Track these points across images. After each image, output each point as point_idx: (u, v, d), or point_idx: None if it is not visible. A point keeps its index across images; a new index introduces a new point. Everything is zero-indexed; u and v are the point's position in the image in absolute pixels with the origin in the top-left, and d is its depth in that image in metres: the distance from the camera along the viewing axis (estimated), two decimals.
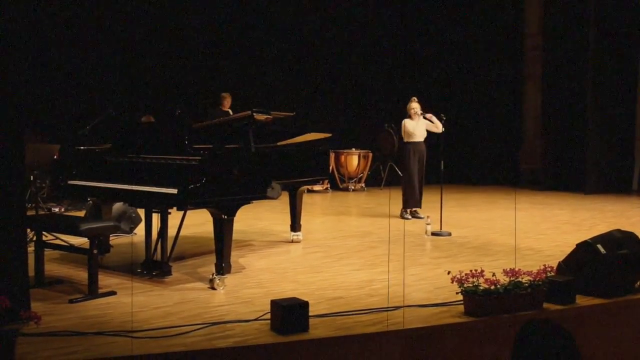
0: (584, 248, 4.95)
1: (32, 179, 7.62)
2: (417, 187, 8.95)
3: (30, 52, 9.90)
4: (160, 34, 11.73)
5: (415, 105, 8.94)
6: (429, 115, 8.74)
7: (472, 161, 14.33)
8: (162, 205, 5.42)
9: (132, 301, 4.58)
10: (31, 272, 4.64)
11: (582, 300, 4.68)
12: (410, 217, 8.97)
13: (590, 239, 4.99)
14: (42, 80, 10.29)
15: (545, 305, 4.53)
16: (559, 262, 5.08)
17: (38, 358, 3.52)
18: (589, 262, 4.85)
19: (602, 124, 12.27)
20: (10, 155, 4.03)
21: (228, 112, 10.60)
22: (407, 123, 8.97)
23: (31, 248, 5.01)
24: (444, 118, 8.33)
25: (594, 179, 12.21)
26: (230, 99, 10.96)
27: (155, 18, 11.72)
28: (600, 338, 4.62)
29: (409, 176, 8.99)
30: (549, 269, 4.75)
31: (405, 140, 9.04)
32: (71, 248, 5.37)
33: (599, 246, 4.86)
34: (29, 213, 6.30)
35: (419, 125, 8.91)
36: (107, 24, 11.19)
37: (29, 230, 5.24)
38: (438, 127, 8.76)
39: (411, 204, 9.01)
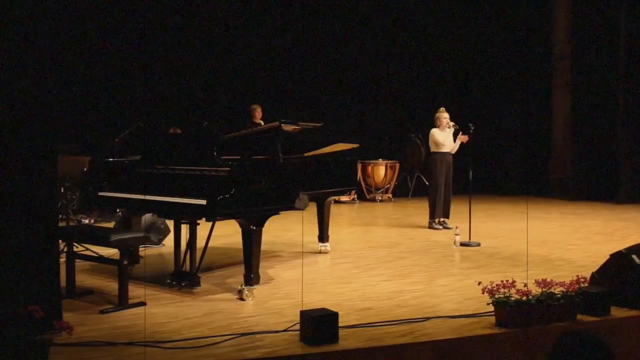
0: (618, 258, 4.85)
1: (62, 190, 7.71)
2: (443, 198, 8.90)
3: (61, 65, 10.06)
4: (189, 46, 11.85)
5: (446, 115, 8.95)
6: (463, 138, 8.76)
7: (501, 171, 14.19)
8: (191, 216, 5.44)
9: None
10: (62, 282, 4.67)
11: (617, 312, 4.59)
12: (440, 227, 8.91)
13: (625, 249, 4.90)
14: (72, 93, 10.44)
15: (579, 316, 4.45)
16: (593, 272, 4.99)
17: None
18: (623, 272, 4.75)
19: (634, 132, 12.08)
20: (42, 168, 4.08)
21: (260, 123, 10.63)
22: (436, 133, 8.94)
23: (62, 259, 5.07)
24: (472, 127, 8.27)
25: (626, 188, 12.01)
26: (260, 110, 10.99)
27: (184, 31, 11.84)
28: (637, 351, 4.52)
29: (435, 186, 8.95)
30: (582, 280, 4.66)
31: (433, 150, 9.01)
32: (101, 259, 5.41)
33: (634, 257, 4.76)
34: (60, 225, 6.38)
35: (448, 136, 8.89)
36: (137, 37, 11.33)
37: (60, 241, 5.29)
38: (453, 149, 8.94)
39: (438, 214, 8.95)
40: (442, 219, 9.00)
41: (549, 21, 13.76)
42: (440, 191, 8.90)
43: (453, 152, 8.96)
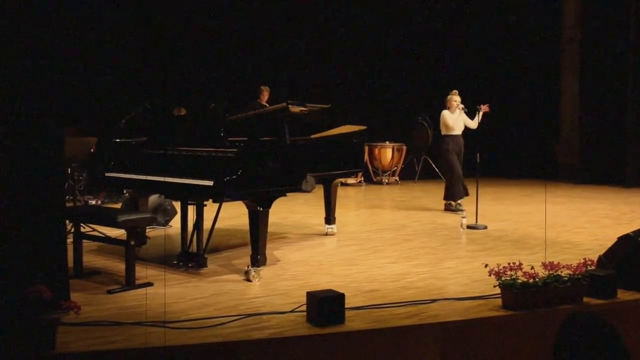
0: (626, 241, 4.84)
1: (69, 171, 7.73)
2: (462, 178, 8.72)
3: (66, 47, 10.03)
4: (195, 26, 11.80)
5: (457, 98, 8.80)
6: (484, 108, 8.39)
7: (509, 154, 14.13)
8: (198, 197, 5.44)
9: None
10: (70, 263, 4.70)
11: (624, 295, 4.58)
12: (462, 208, 8.64)
13: (632, 232, 4.88)
14: (79, 74, 10.43)
15: (585, 299, 4.44)
16: (600, 255, 4.98)
17: (77, 347, 3.57)
18: (631, 255, 4.73)
19: None
20: (49, 149, 4.08)
21: (265, 105, 10.61)
22: (447, 115, 8.80)
23: (70, 239, 5.09)
24: (480, 110, 8.21)
25: (634, 171, 11.95)
26: (268, 92, 10.98)
27: (191, 10, 11.79)
28: None
29: (452, 168, 8.77)
30: (589, 263, 4.65)
31: (444, 133, 8.88)
32: (109, 239, 5.43)
33: None
34: (67, 205, 6.39)
35: (459, 119, 8.76)
36: (143, 16, 11.29)
37: (67, 222, 5.30)
38: (474, 124, 8.70)
39: (458, 195, 8.74)
40: (458, 202, 8.77)
41: (559, 4, 13.62)
42: (456, 173, 8.72)
43: (474, 127, 8.71)
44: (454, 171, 8.78)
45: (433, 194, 10.70)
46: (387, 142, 12.95)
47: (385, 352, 3.94)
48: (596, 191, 11.44)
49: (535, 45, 13.83)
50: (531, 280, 4.29)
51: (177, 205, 6.41)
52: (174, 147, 5.66)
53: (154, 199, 7.21)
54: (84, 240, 5.31)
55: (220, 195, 5.03)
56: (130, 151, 6.10)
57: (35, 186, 4.00)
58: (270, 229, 5.51)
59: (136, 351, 3.57)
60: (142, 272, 5.23)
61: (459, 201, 8.82)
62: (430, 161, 13.35)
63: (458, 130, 8.81)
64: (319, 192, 6.98)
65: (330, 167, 6.54)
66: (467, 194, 8.83)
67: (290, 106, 5.68)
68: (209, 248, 5.79)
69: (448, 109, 8.86)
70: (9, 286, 3.72)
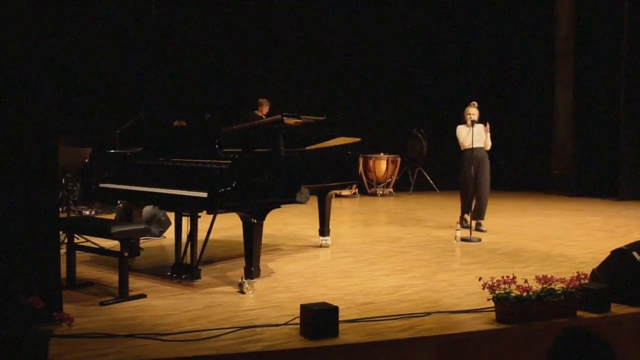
0: (619, 255, 4.84)
1: (63, 182, 7.71)
2: (469, 196, 8.37)
3: (61, 56, 10.04)
4: (192, 38, 11.83)
5: (472, 111, 8.32)
6: (487, 128, 8.25)
7: (503, 166, 14.16)
8: (192, 208, 5.44)
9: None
10: (63, 274, 4.67)
11: (617, 309, 4.58)
12: (466, 224, 8.19)
13: (626, 246, 4.88)
14: (73, 84, 10.43)
15: (579, 313, 4.45)
16: (593, 269, 4.98)
17: (70, 359, 3.55)
18: (624, 269, 4.74)
19: (636, 129, 12.06)
20: (43, 159, 4.08)
21: (262, 117, 10.57)
22: (457, 130, 8.42)
23: (63, 250, 5.06)
24: (474, 122, 8.21)
25: (628, 184, 12.00)
26: (268, 105, 10.84)
27: (187, 22, 11.82)
28: (636, 348, 4.52)
29: (460, 184, 8.54)
30: (583, 276, 4.66)
31: (461, 148, 8.44)
32: (102, 250, 5.41)
33: (634, 254, 4.75)
34: (61, 216, 6.38)
35: (469, 133, 8.19)
36: (139, 28, 11.31)
37: (61, 232, 5.29)
38: (487, 144, 8.37)
39: (463, 211, 8.49)
40: (479, 220, 8.37)
41: (552, 17, 13.72)
42: (465, 189, 8.42)
43: (487, 147, 8.37)
44: (461, 188, 8.48)
45: (427, 205, 10.72)
46: (382, 154, 12.98)
47: None
48: (590, 204, 11.48)
49: (529, 57, 13.91)
50: (525, 294, 4.29)
51: (171, 216, 6.40)
52: (168, 158, 5.66)
53: (148, 209, 7.20)
54: (77, 251, 5.29)
55: (214, 207, 5.02)
56: (125, 162, 6.09)
57: (28, 196, 3.99)
58: (264, 240, 5.50)
59: None
60: (136, 283, 5.22)
61: (465, 216, 8.43)
62: (425, 173, 13.37)
63: (478, 143, 8.19)
64: (313, 203, 6.98)
65: (324, 178, 6.54)
66: (479, 217, 8.37)
67: (285, 118, 5.69)
68: (203, 259, 5.77)
69: (465, 122, 8.36)
70: (1, 297, 3.70)
